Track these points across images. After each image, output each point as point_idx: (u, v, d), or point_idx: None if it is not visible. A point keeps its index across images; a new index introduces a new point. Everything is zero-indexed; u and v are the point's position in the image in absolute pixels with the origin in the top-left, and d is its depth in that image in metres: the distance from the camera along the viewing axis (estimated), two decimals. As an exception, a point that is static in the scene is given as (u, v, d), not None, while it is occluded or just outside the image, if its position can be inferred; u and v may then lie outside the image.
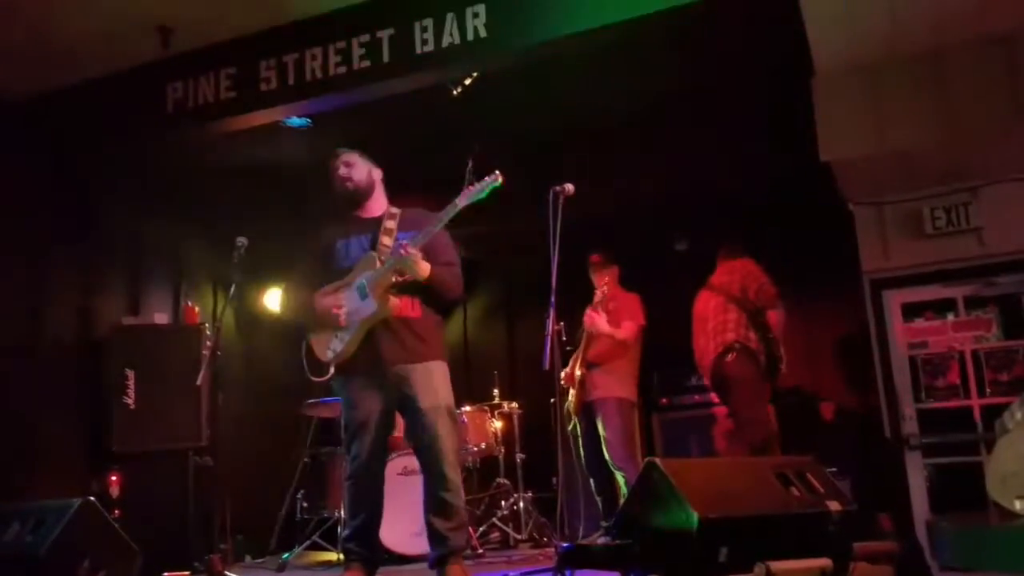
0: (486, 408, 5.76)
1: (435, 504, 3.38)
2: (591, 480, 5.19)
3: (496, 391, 6.06)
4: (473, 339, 7.52)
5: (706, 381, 5.48)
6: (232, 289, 4.37)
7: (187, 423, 5.12)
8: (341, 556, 3.97)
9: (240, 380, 6.31)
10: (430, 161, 5.26)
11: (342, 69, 4.57)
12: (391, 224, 3.55)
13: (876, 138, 4.67)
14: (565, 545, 3.20)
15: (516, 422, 5.92)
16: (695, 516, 2.49)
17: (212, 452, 5.16)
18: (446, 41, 4.36)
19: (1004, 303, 5.24)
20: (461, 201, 3.34)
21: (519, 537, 5.41)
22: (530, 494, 5.63)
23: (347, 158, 3.65)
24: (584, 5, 4.11)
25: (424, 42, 4.41)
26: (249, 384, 6.43)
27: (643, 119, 5.31)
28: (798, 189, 5.46)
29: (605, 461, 5.02)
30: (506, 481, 5.71)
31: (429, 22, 4.41)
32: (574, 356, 5.26)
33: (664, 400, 6.33)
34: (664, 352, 5.80)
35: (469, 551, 4.82)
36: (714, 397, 5.87)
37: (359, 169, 3.63)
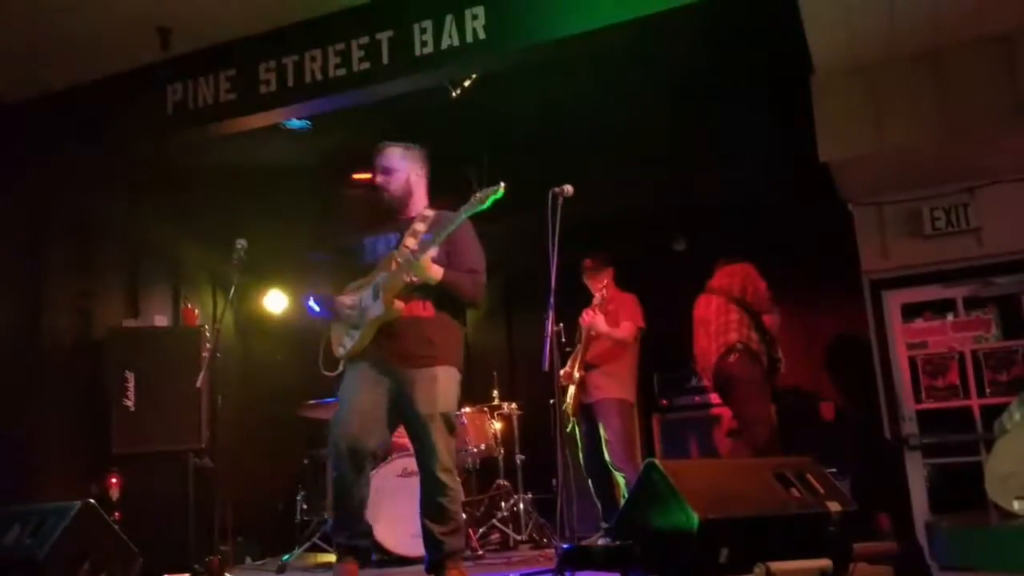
0: (486, 409, 5.76)
1: (430, 508, 3.38)
2: (590, 481, 5.19)
3: (496, 392, 6.06)
4: (473, 340, 7.49)
5: (707, 382, 5.50)
6: (231, 291, 4.37)
7: (187, 425, 5.12)
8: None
9: (240, 382, 6.31)
10: (429, 162, 5.26)
11: (341, 71, 4.57)
12: (420, 226, 3.56)
13: (875, 138, 4.67)
14: (565, 546, 3.20)
15: (516, 423, 5.91)
16: (695, 517, 2.49)
17: (212, 454, 5.16)
18: (445, 43, 4.36)
19: (1003, 303, 5.24)
20: (465, 211, 3.34)
21: (519, 538, 5.41)
22: (530, 495, 5.62)
23: (387, 162, 3.64)
24: (583, 6, 4.11)
25: (423, 44, 4.41)
26: (248, 386, 6.43)
27: (642, 119, 5.31)
28: (797, 189, 5.46)
29: (604, 462, 5.03)
30: (506, 482, 5.71)
31: (428, 24, 4.40)
32: (573, 356, 5.26)
33: (664, 401, 6.33)
34: (664, 353, 5.80)
35: (469, 552, 4.83)
36: (714, 398, 5.88)
37: (398, 178, 3.63)
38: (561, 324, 4.80)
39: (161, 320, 5.69)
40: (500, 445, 5.71)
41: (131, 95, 5.01)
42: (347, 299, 3.56)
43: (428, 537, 3.38)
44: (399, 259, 3.43)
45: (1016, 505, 3.51)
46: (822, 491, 2.80)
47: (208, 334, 5.26)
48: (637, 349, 5.23)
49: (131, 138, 5.08)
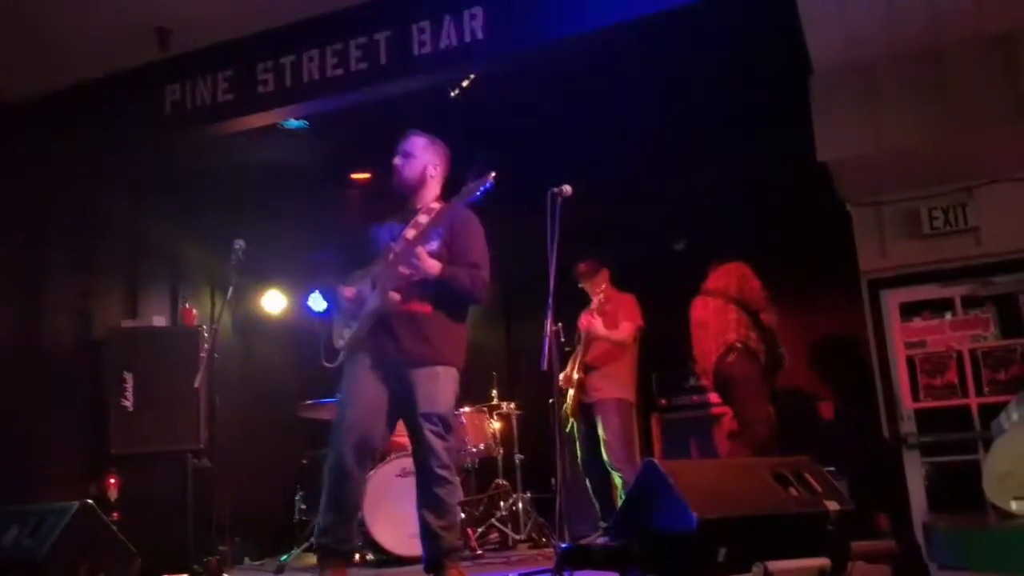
0: (485, 409, 5.76)
1: (428, 499, 3.34)
2: (588, 481, 5.19)
3: (495, 392, 6.06)
4: (472, 340, 7.46)
5: (705, 382, 5.50)
6: (230, 291, 4.36)
7: (185, 425, 5.12)
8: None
9: (238, 382, 6.30)
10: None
11: (339, 71, 4.57)
12: (423, 219, 3.49)
13: (873, 138, 4.68)
14: (564, 546, 3.20)
15: (515, 423, 5.91)
16: (694, 516, 2.49)
17: (210, 454, 5.15)
18: (444, 43, 4.36)
19: (1002, 302, 5.24)
20: (455, 201, 3.33)
21: (518, 538, 5.41)
22: (529, 495, 5.62)
23: (409, 147, 3.61)
24: (582, 6, 4.11)
25: (422, 44, 4.41)
26: (247, 386, 6.42)
27: (641, 119, 5.32)
28: (796, 189, 5.47)
29: (603, 462, 5.03)
30: (505, 482, 5.71)
31: (426, 24, 4.40)
32: (572, 358, 5.26)
33: (663, 401, 6.34)
34: (663, 353, 5.80)
35: (468, 552, 4.83)
36: (713, 398, 5.89)
37: (414, 165, 3.59)
38: (560, 324, 4.80)
39: (160, 320, 5.68)
40: (499, 445, 5.71)
41: (129, 95, 5.01)
42: (348, 290, 3.53)
43: (426, 531, 3.33)
44: (396, 250, 3.40)
45: (1014, 505, 3.52)
46: (820, 490, 2.80)
47: (207, 334, 5.26)
48: (636, 349, 5.23)
49: (129, 138, 5.08)
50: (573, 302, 5.19)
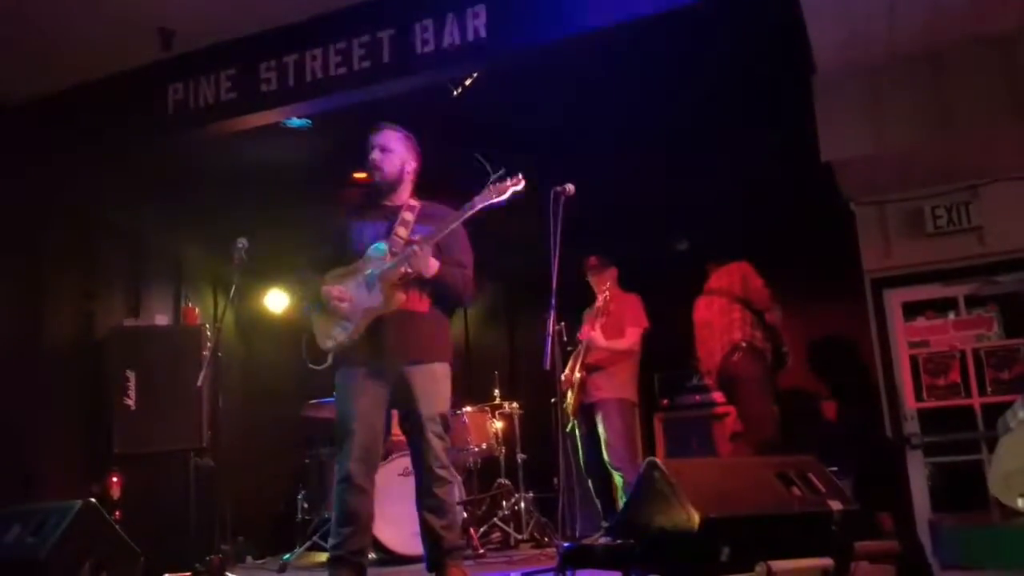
0: (487, 408, 5.76)
1: (428, 499, 3.32)
2: (589, 481, 5.19)
3: (497, 391, 6.06)
4: (474, 339, 7.52)
5: (709, 381, 5.49)
6: (232, 290, 4.36)
7: (188, 424, 5.12)
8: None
9: (241, 381, 6.32)
10: (430, 161, 5.25)
11: (342, 70, 4.57)
12: (408, 216, 3.46)
13: (876, 137, 4.67)
14: (566, 545, 3.19)
15: (517, 422, 5.91)
16: (696, 516, 2.48)
17: (213, 453, 5.17)
18: (446, 41, 4.36)
19: (1005, 302, 5.23)
20: (478, 202, 3.29)
21: (520, 537, 5.41)
22: (531, 494, 5.62)
23: (384, 141, 3.53)
24: (584, 6, 4.10)
25: (424, 42, 4.40)
26: (250, 385, 6.44)
27: (643, 118, 5.31)
28: (799, 189, 5.46)
29: (604, 462, 5.02)
30: (507, 481, 5.71)
31: (429, 22, 4.40)
32: (572, 357, 5.25)
33: (665, 401, 6.33)
34: (665, 353, 5.80)
35: (470, 551, 4.82)
36: (716, 397, 5.89)
37: (393, 160, 3.53)
38: (563, 323, 4.80)
39: (162, 319, 5.70)
40: (501, 444, 5.71)
41: (132, 94, 5.01)
42: (338, 289, 3.41)
43: (427, 532, 3.32)
44: (395, 250, 3.37)
45: (1020, 503, 3.51)
46: (824, 490, 2.80)
47: (209, 333, 5.27)
48: (639, 349, 5.22)
49: (132, 137, 5.08)
50: (576, 301, 5.18)
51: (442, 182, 3.80)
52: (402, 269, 3.31)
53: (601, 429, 5.04)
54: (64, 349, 5.31)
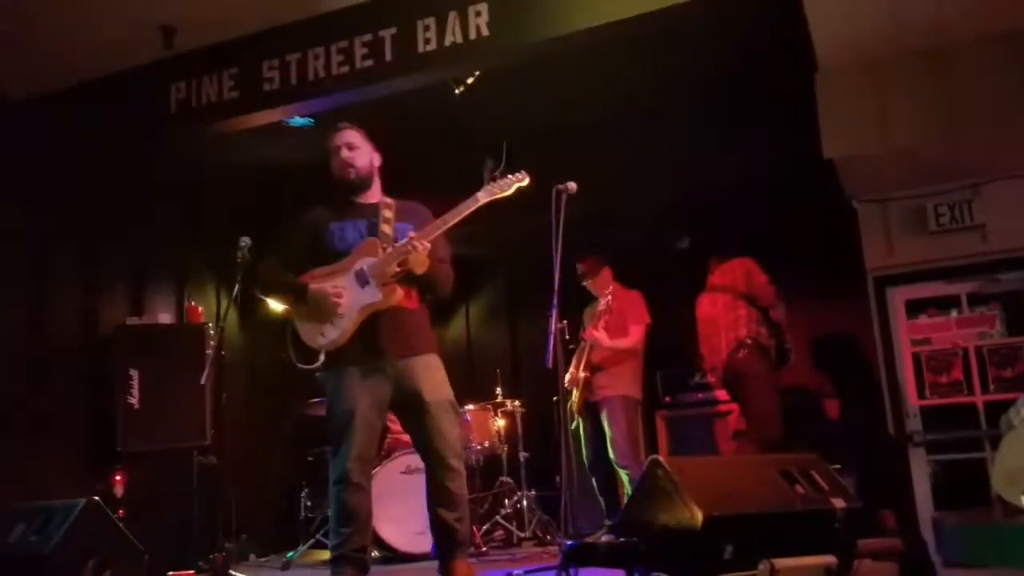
0: (489, 407, 5.76)
1: (441, 495, 3.27)
2: (593, 479, 5.19)
3: (499, 389, 6.05)
4: (476, 337, 7.51)
5: (713, 379, 5.48)
6: (236, 289, 4.36)
7: (191, 422, 5.13)
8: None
9: (244, 379, 6.32)
10: (432, 160, 5.26)
11: (344, 68, 4.57)
12: (388, 213, 3.45)
13: (879, 135, 4.66)
14: (569, 543, 3.19)
15: (519, 420, 5.91)
16: (700, 514, 2.49)
17: (216, 451, 5.17)
18: (448, 40, 4.36)
19: (1008, 300, 5.23)
20: (483, 196, 3.28)
21: (523, 535, 5.41)
22: (533, 492, 5.62)
23: (350, 139, 3.51)
24: (585, 4, 4.11)
25: (427, 41, 4.40)
26: (253, 383, 6.43)
27: (646, 115, 5.31)
28: (801, 186, 5.46)
29: (608, 460, 5.03)
30: (509, 479, 5.71)
31: (431, 21, 4.40)
32: (576, 355, 5.25)
33: (668, 398, 6.33)
34: (667, 351, 5.79)
35: (473, 549, 4.83)
36: (719, 395, 5.88)
37: (362, 155, 3.51)
38: (565, 321, 4.80)
39: (165, 318, 5.69)
40: (503, 442, 5.71)
41: (135, 93, 5.01)
42: (330, 286, 3.36)
43: (441, 526, 3.27)
44: (384, 245, 3.34)
45: (1023, 500, 3.51)
46: (827, 488, 2.80)
47: (212, 332, 5.27)
48: (643, 347, 5.22)
49: (135, 136, 5.09)
50: (578, 299, 5.18)
51: (442, 180, 3.81)
52: (395, 267, 3.29)
53: (606, 427, 5.05)
54: (68, 347, 5.31)
